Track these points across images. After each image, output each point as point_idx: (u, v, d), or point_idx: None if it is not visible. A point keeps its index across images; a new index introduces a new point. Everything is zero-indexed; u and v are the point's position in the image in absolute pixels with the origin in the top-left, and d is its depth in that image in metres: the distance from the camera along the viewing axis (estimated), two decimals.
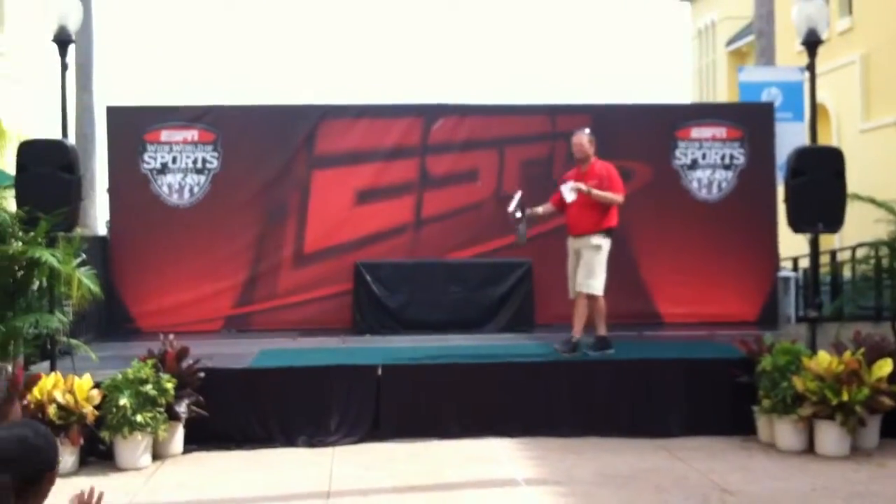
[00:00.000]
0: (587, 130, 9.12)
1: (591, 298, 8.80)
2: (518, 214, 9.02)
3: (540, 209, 9.15)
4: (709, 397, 8.11)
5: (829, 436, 7.32)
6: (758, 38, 16.74)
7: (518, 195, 9.17)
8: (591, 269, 8.72)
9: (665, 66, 60.66)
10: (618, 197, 8.81)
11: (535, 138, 12.07)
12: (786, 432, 7.49)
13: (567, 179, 9.00)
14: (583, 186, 8.67)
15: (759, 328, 10.30)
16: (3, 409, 2.93)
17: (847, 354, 7.59)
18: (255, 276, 11.44)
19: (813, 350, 7.99)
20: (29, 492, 2.56)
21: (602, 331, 8.88)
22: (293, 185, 11.65)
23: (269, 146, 11.63)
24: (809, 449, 7.43)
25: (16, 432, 2.57)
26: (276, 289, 11.46)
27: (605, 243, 8.80)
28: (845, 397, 7.23)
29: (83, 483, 6.66)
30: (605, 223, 8.81)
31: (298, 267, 11.49)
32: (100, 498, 2.74)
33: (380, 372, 8.13)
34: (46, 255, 7.74)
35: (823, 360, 7.56)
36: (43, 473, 2.59)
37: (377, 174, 11.77)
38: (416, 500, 6.43)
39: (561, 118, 12.12)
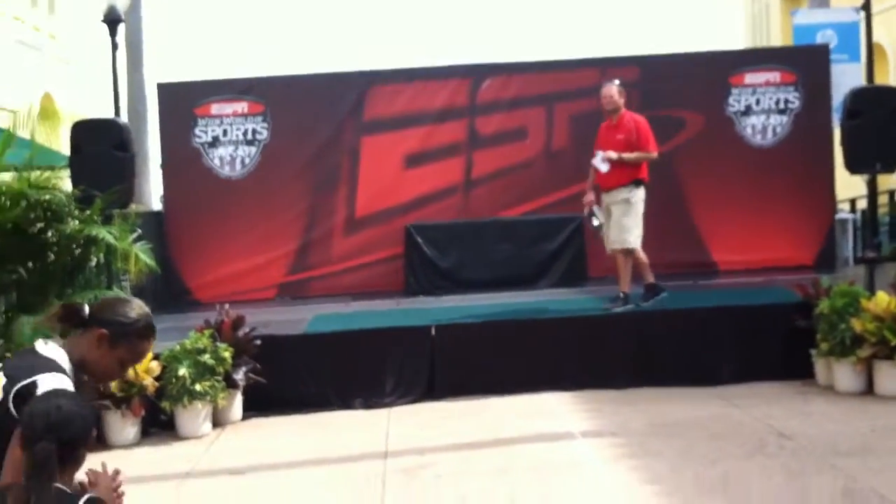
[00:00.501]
0: (616, 81, 8.95)
1: (629, 252, 8.64)
2: (596, 224, 8.88)
3: (592, 194, 8.85)
4: (766, 343, 8.02)
5: (889, 376, 7.19)
6: None
7: (587, 213, 8.98)
8: (622, 224, 8.55)
9: (717, 12, 59.50)
10: (650, 154, 8.65)
11: (583, 93, 11.90)
12: (844, 374, 7.39)
13: (600, 134, 8.90)
14: (613, 155, 8.51)
15: (817, 272, 10.14)
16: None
17: None
18: (308, 243, 11.55)
19: (871, 291, 7.84)
20: (68, 458, 2.64)
21: (649, 278, 8.71)
22: (343, 152, 11.71)
23: (317, 115, 11.69)
24: (869, 390, 7.31)
25: (53, 402, 2.64)
26: (329, 255, 11.56)
27: (634, 195, 8.58)
28: None
29: (145, 453, 6.90)
30: (634, 175, 8.61)
31: (350, 232, 11.57)
32: (115, 474, 2.81)
33: (433, 332, 8.17)
34: (103, 233, 7.88)
35: (882, 300, 7.41)
36: (82, 440, 2.67)
37: (426, 137, 11.78)
38: (473, 457, 6.46)
39: (610, 71, 11.93)
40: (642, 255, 8.68)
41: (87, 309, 2.96)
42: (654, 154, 8.73)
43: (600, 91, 8.99)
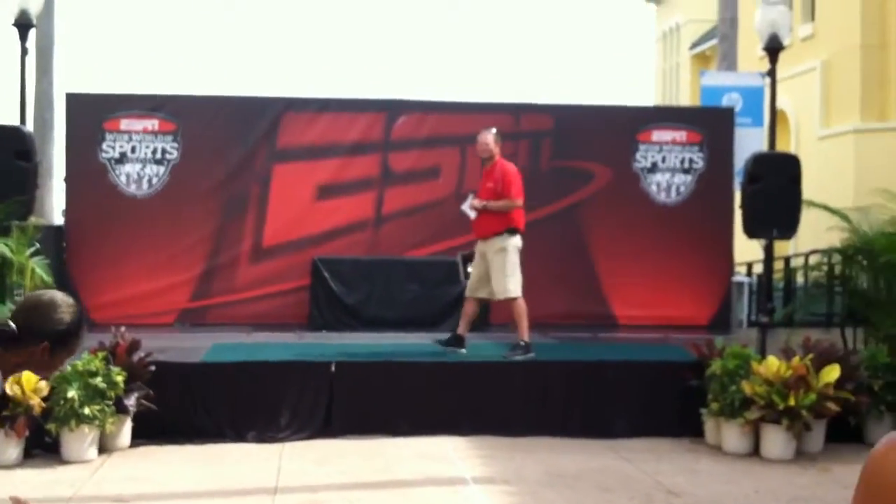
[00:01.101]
0: (493, 130, 9.07)
1: (510, 301, 8.73)
2: (469, 271, 9.08)
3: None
4: (659, 399, 8.19)
5: (775, 440, 7.41)
6: (720, 42, 16.85)
7: (459, 259, 9.32)
8: (503, 272, 8.64)
9: (629, 67, 61.04)
10: (513, 202, 8.75)
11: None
12: (732, 435, 7.58)
13: (480, 182, 9.07)
14: (478, 203, 8.69)
15: (712, 332, 10.38)
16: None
17: (796, 360, 7.68)
18: (212, 270, 11.36)
19: (763, 355, 8.08)
20: (63, 344, 2.75)
21: (525, 336, 8.69)
22: (253, 179, 11.59)
23: (229, 138, 11.55)
24: (755, 452, 7.52)
25: (31, 303, 2.79)
26: (233, 283, 11.39)
27: (509, 244, 8.68)
28: (792, 402, 7.33)
29: (27, 476, 6.70)
30: (507, 223, 8.72)
31: (256, 261, 11.42)
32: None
33: (333, 369, 8.12)
34: (0, 244, 7.67)
35: (772, 364, 7.65)
36: (76, 326, 2.77)
37: (338, 169, 11.73)
38: (366, 497, 6.45)
39: (524, 117, 12.17)
40: (522, 306, 8.75)
41: (12, 325, 2.86)
42: (518, 202, 8.82)
43: (477, 138, 9.12)
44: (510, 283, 8.64)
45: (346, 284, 11.13)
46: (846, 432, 7.76)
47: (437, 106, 12.20)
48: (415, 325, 10.58)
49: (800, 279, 13.21)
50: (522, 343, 8.69)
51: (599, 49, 63.37)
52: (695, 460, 7.40)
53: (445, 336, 9.14)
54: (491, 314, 11.15)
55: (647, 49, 33.55)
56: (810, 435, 7.52)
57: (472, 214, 8.79)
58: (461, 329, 8.97)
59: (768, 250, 9.26)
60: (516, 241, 8.76)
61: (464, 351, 8.86)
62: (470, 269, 9.02)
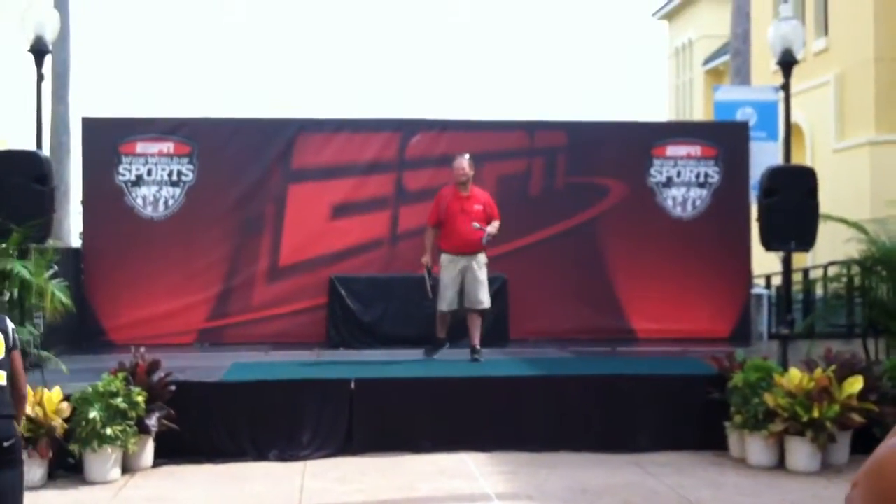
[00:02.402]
0: (467, 155, 9.75)
1: (485, 311, 9.65)
2: (433, 284, 9.71)
3: (428, 256, 9.73)
4: (681, 413, 8.14)
5: (800, 452, 7.36)
6: (733, 57, 16.83)
7: (425, 272, 9.76)
8: (485, 285, 9.57)
9: (642, 83, 61.12)
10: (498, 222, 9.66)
11: (512, 154, 12.11)
12: (756, 448, 7.53)
13: (450, 203, 9.63)
14: (493, 229, 9.49)
15: (731, 345, 10.35)
16: None
17: (818, 371, 7.64)
18: (229, 290, 11.39)
19: (784, 367, 8.04)
20: None
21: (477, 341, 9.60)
22: (269, 199, 11.62)
23: (245, 159, 11.60)
24: (780, 465, 7.46)
25: None
26: (250, 302, 11.42)
27: (485, 259, 9.65)
28: (816, 414, 7.28)
29: (51, 497, 6.69)
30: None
31: (273, 280, 11.46)
32: None
33: (353, 386, 8.11)
34: (18, 267, 7.69)
35: (794, 376, 7.61)
36: None
37: (354, 188, 11.77)
38: None
39: (538, 134, 12.19)
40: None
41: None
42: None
43: (453, 163, 9.77)
44: (488, 296, 9.63)
45: (363, 302, 11.14)
46: (871, 443, 7.63)
47: (451, 124, 12.22)
48: (431, 342, 10.54)
49: (819, 291, 13.15)
50: (477, 347, 9.55)
51: (612, 66, 63.52)
52: (719, 474, 7.35)
53: (431, 351, 9.70)
54: (510, 329, 11.18)
55: (660, 65, 33.60)
56: (835, 447, 7.46)
57: (487, 240, 9.53)
58: (442, 333, 9.68)
59: (787, 263, 9.23)
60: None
61: (447, 345, 9.67)
62: (431, 283, 9.68)
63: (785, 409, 7.38)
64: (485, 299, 9.54)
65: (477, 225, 9.45)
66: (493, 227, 9.48)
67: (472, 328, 9.66)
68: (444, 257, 9.62)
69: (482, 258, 9.57)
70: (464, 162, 9.63)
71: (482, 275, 9.53)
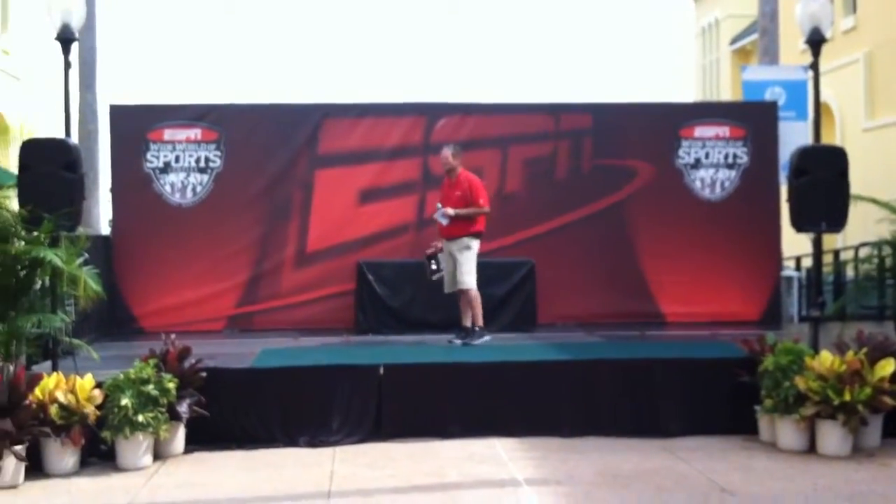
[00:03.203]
0: (451, 145, 10.21)
1: (466, 292, 9.81)
2: (434, 267, 10.21)
3: (439, 243, 10.16)
4: (711, 397, 8.09)
5: (831, 435, 7.30)
6: (761, 36, 16.71)
7: (425, 258, 10.28)
8: (466, 268, 9.79)
9: (669, 64, 60.62)
10: (482, 209, 9.94)
11: (538, 137, 12.08)
12: (787, 432, 7.48)
13: (442, 191, 10.15)
14: (451, 211, 9.81)
15: (761, 328, 10.29)
16: None
17: (850, 354, 7.57)
18: (258, 276, 11.46)
19: (815, 350, 7.98)
20: None
21: (468, 322, 9.89)
22: (296, 185, 11.66)
23: (272, 145, 11.64)
24: (811, 449, 7.41)
25: None
26: (279, 288, 11.48)
27: (474, 244, 9.87)
28: (847, 397, 7.22)
29: (84, 484, 6.76)
30: (472, 228, 9.90)
31: (301, 266, 11.51)
32: None
33: (382, 371, 8.12)
34: (50, 255, 7.73)
35: (826, 359, 7.55)
36: None
37: (380, 173, 11.78)
38: (418, 500, 6.43)
39: (564, 117, 12.14)
40: (476, 296, 9.86)
41: None
42: (486, 209, 9.99)
43: (440, 153, 10.23)
44: (472, 277, 9.83)
45: (391, 287, 11.17)
46: None
47: (476, 108, 12.19)
48: (459, 327, 10.55)
49: (850, 272, 13.05)
50: (478, 328, 9.80)
51: (638, 46, 63.07)
52: (750, 458, 7.31)
53: (459, 337, 9.88)
54: (539, 314, 11.17)
55: (687, 45, 33.33)
56: (867, 430, 7.39)
57: (445, 222, 9.86)
58: (467, 321, 9.89)
59: (817, 244, 9.13)
60: (478, 243, 9.94)
61: (489, 337, 9.86)
62: (434, 265, 10.18)
63: (816, 393, 7.32)
64: (463, 280, 9.79)
65: (439, 205, 9.90)
66: (448, 210, 9.81)
67: (460, 309, 9.94)
68: (442, 243, 10.09)
69: (464, 241, 9.81)
70: (445, 151, 10.10)
71: (462, 257, 9.80)
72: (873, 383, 7.33)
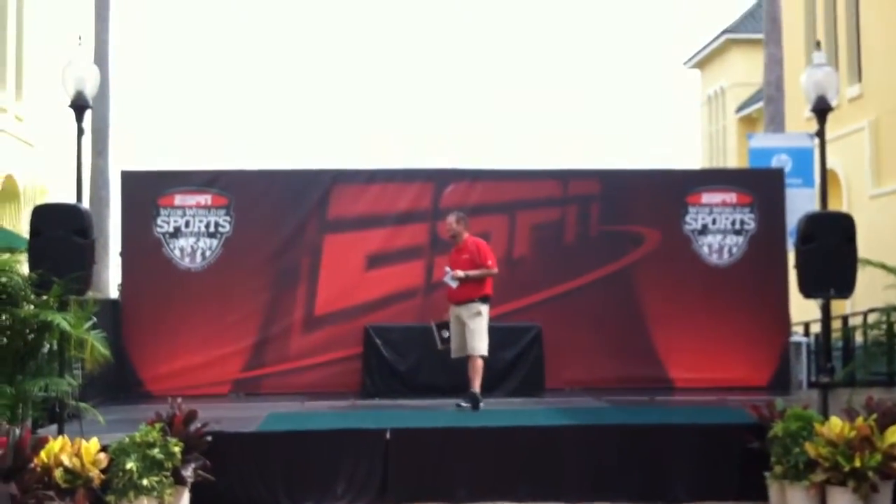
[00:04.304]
0: (456, 212, 10.37)
1: (478, 358, 9.83)
2: (445, 336, 10.20)
3: (449, 312, 10.18)
4: (720, 463, 8.04)
5: (842, 502, 7.21)
6: (767, 104, 16.85)
7: (434, 327, 10.32)
8: (479, 333, 9.82)
9: (675, 131, 61.08)
10: (491, 270, 10.01)
11: (545, 203, 12.15)
12: (797, 498, 7.40)
13: (450, 257, 10.23)
14: (460, 274, 9.88)
15: (770, 393, 10.23)
16: None
17: (859, 420, 7.52)
18: (265, 340, 11.47)
19: (825, 416, 7.92)
20: None
21: (477, 388, 9.78)
22: (305, 250, 11.72)
23: (281, 210, 11.74)
24: None
25: None
26: (286, 352, 11.48)
27: (483, 309, 9.92)
28: (857, 463, 7.16)
29: None
30: (481, 291, 9.96)
31: (308, 331, 11.53)
32: None
33: (388, 436, 8.09)
34: (59, 319, 7.75)
35: (835, 425, 7.49)
36: None
37: (388, 238, 11.85)
38: None
39: (571, 183, 12.22)
40: (481, 364, 9.85)
41: None
42: (495, 270, 10.04)
43: (445, 220, 10.44)
44: (483, 343, 9.86)
45: (398, 352, 11.16)
46: None
47: (484, 174, 12.29)
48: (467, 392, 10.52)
49: (858, 338, 12.98)
50: (474, 393, 9.72)
51: (645, 114, 63.61)
52: None
53: (466, 401, 9.76)
54: (546, 378, 11.13)
55: (693, 113, 33.63)
56: (877, 496, 7.30)
57: (455, 285, 9.92)
58: (476, 387, 9.81)
59: (825, 310, 9.11)
60: (488, 307, 10.00)
61: (482, 405, 9.72)
62: (445, 334, 10.18)
63: (826, 459, 7.26)
64: (475, 346, 9.81)
65: (447, 269, 9.97)
66: (457, 272, 9.87)
67: (468, 373, 9.86)
68: (450, 309, 10.15)
69: (474, 307, 9.86)
70: (449, 218, 10.31)
71: (473, 323, 9.83)
72: (883, 449, 7.27)
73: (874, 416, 7.54)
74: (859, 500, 7.21)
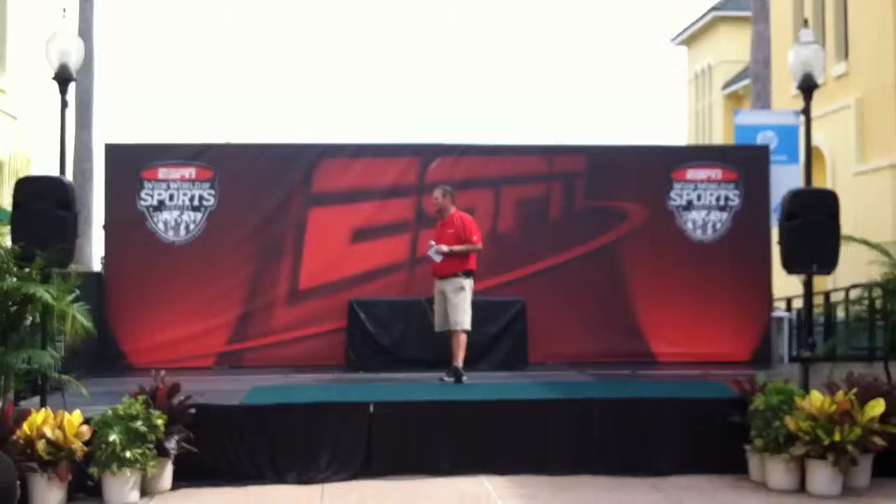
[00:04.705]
0: (441, 186, 10.36)
1: (461, 332, 9.86)
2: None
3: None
4: (701, 436, 8.09)
5: (821, 475, 7.29)
6: (754, 82, 16.89)
7: (426, 304, 10.51)
8: (462, 308, 9.86)
9: (661, 108, 61.12)
10: (475, 246, 10.05)
11: (531, 178, 12.14)
12: (777, 472, 7.47)
13: (436, 231, 10.27)
14: (445, 248, 9.92)
15: (752, 368, 10.30)
16: None
17: (840, 395, 7.59)
18: (249, 313, 11.46)
19: (806, 390, 7.99)
20: None
21: (460, 362, 9.82)
22: (289, 223, 11.69)
23: (266, 184, 11.69)
24: (801, 489, 7.39)
25: None
26: (270, 326, 11.48)
27: (467, 284, 9.95)
28: (837, 437, 7.22)
29: None
30: (465, 266, 9.98)
31: (293, 304, 11.52)
32: None
33: (372, 409, 8.11)
34: (41, 292, 7.73)
35: (816, 399, 7.56)
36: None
37: (374, 213, 11.83)
38: None
39: (557, 159, 12.22)
40: (465, 339, 9.90)
41: None
42: (479, 245, 10.09)
43: (432, 194, 10.41)
44: (468, 316, 9.90)
45: (382, 325, 11.17)
46: (893, 467, 7.63)
47: (470, 149, 12.26)
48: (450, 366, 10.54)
49: (840, 314, 13.06)
50: (457, 367, 9.75)
51: (631, 91, 63.62)
52: (740, 497, 7.29)
53: (449, 375, 9.78)
54: (530, 352, 11.17)
55: (679, 90, 33.62)
56: (857, 470, 7.39)
57: (439, 259, 9.95)
58: (458, 361, 9.82)
59: (808, 285, 9.17)
60: (471, 282, 10.02)
61: (465, 379, 9.75)
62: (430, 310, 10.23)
63: (806, 433, 7.32)
64: (457, 320, 9.84)
65: (432, 243, 10.01)
66: (441, 246, 9.91)
67: (451, 347, 9.90)
68: (434, 283, 10.17)
69: (457, 281, 9.89)
70: (435, 192, 10.30)
71: (455, 297, 9.86)
72: (863, 423, 7.34)
73: (854, 390, 7.61)
74: (838, 474, 7.29)
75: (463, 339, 9.88)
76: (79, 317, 8.16)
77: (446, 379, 9.72)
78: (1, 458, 2.69)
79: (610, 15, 67.63)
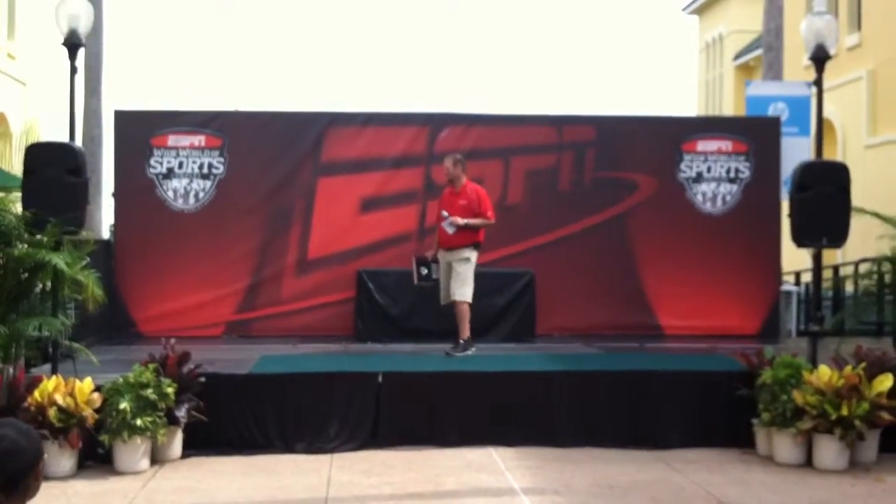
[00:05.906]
0: (453, 156, 10.13)
1: (463, 304, 9.73)
2: (424, 273, 10.12)
3: (433, 251, 10.11)
4: (708, 409, 8.12)
5: (828, 450, 7.31)
6: (766, 52, 16.75)
7: (414, 261, 10.23)
8: (465, 279, 9.71)
9: (672, 79, 60.74)
10: (489, 220, 9.91)
11: (540, 149, 12.09)
12: (784, 446, 7.49)
13: (443, 199, 10.08)
14: (461, 221, 9.72)
15: (760, 342, 10.29)
16: None
17: (848, 369, 7.60)
18: (258, 283, 11.47)
19: (814, 364, 7.99)
20: (15, 490, 2.55)
21: (467, 333, 9.74)
22: (298, 192, 11.67)
23: (275, 153, 11.66)
24: (808, 463, 7.42)
25: None
26: (279, 295, 11.49)
27: (473, 256, 9.82)
28: (845, 412, 7.24)
29: (81, 487, 6.77)
30: (474, 238, 9.86)
31: (301, 274, 11.52)
32: None
33: (380, 379, 8.14)
34: (55, 259, 7.76)
35: (824, 374, 7.56)
36: (27, 471, 2.57)
37: (383, 182, 11.80)
38: None
39: (567, 129, 12.16)
40: (468, 310, 9.77)
41: None
42: (492, 220, 9.94)
43: (443, 162, 10.19)
44: (468, 289, 9.74)
45: (391, 296, 11.17)
46: None
47: (480, 119, 12.20)
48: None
49: (849, 288, 13.04)
50: (464, 340, 9.67)
51: (642, 61, 63.24)
52: (746, 471, 7.32)
53: (455, 347, 9.72)
54: (537, 324, 11.17)
55: (690, 60, 33.39)
56: (864, 445, 7.41)
57: (452, 230, 9.77)
58: (465, 332, 9.75)
59: (817, 259, 9.14)
60: (476, 255, 9.89)
61: (474, 350, 9.71)
62: (424, 271, 10.11)
63: (813, 407, 7.33)
64: (459, 291, 9.71)
65: (445, 214, 9.79)
66: (457, 219, 9.71)
67: (456, 320, 9.82)
68: (439, 254, 10.02)
69: (464, 252, 9.75)
70: (446, 161, 10.07)
71: (460, 267, 9.73)
72: (871, 398, 7.35)
73: (863, 365, 7.62)
74: (845, 449, 7.32)
75: (465, 310, 9.75)
76: (91, 284, 8.19)
77: (453, 353, 9.65)
78: (29, 432, 2.68)
79: None
